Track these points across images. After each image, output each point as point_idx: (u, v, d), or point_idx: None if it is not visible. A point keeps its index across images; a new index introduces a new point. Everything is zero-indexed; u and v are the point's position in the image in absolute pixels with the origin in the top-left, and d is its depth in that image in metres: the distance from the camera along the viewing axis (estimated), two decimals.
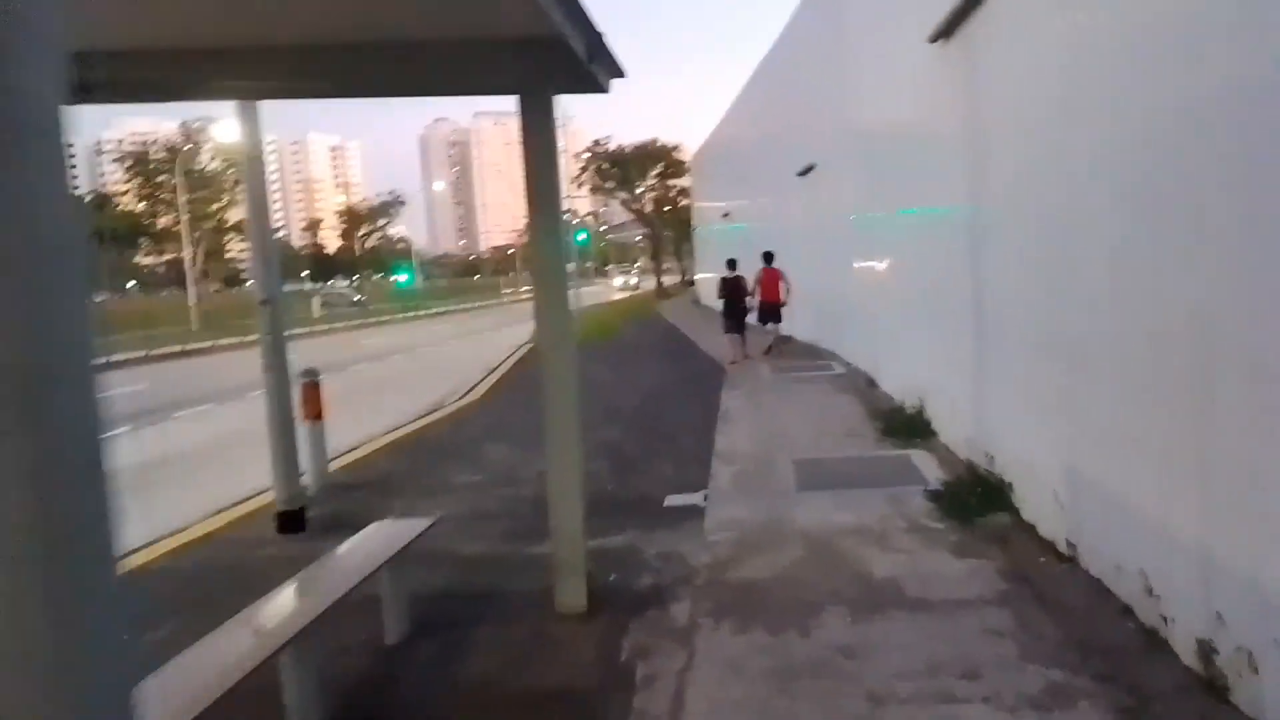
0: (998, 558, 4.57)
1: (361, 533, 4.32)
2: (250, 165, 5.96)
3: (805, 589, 4.30)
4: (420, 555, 5.30)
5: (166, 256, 41.14)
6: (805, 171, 14.85)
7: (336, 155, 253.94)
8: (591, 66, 3.87)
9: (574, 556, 4.29)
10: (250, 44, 3.72)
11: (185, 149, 41.43)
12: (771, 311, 14.60)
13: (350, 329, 39.49)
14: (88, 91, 4.48)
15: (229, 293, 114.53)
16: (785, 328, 17.30)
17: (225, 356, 25.95)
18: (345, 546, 4.07)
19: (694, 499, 6.08)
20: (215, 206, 44.06)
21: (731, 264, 15.44)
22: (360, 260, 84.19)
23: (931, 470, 6.33)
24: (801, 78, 15.47)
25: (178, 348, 26.96)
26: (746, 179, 22.40)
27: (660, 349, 18.71)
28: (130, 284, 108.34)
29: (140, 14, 3.39)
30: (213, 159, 42.66)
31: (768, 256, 14.65)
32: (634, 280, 78.31)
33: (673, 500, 6.14)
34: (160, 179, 42.95)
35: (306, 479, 7.41)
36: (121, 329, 34.54)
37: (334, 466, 8.45)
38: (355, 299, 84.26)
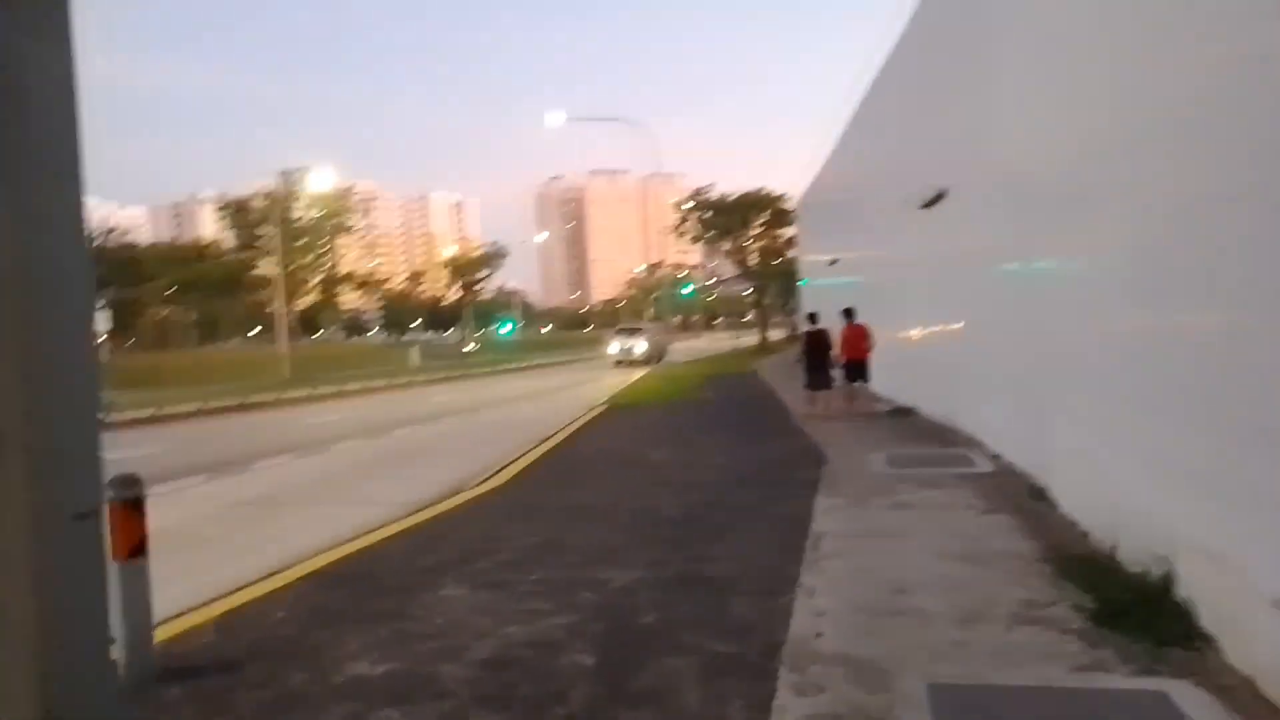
0: None
1: None
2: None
3: None
4: None
5: (275, 306, 40.46)
6: (932, 202, 11.51)
7: (457, 212, 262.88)
8: None
9: None
10: None
11: (282, 197, 41.15)
12: (859, 369, 14.03)
13: (434, 382, 37.79)
14: None
15: (347, 342, 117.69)
16: (905, 398, 14.03)
17: (282, 413, 24.18)
18: None
19: None
20: (312, 255, 43.60)
21: (813, 318, 15.40)
22: (474, 311, 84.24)
23: None
24: (925, 84, 12.23)
25: (235, 401, 25.38)
26: (855, 221, 19.05)
27: (745, 418, 15.45)
28: (254, 331, 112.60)
29: None
30: (308, 207, 42.30)
31: (848, 313, 14.08)
32: (640, 347, 41.20)
33: None
34: (260, 229, 42.91)
35: (117, 651, 4.63)
36: (195, 380, 33.86)
37: (225, 606, 5.69)
38: (466, 349, 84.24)
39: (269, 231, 39.91)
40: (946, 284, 11.30)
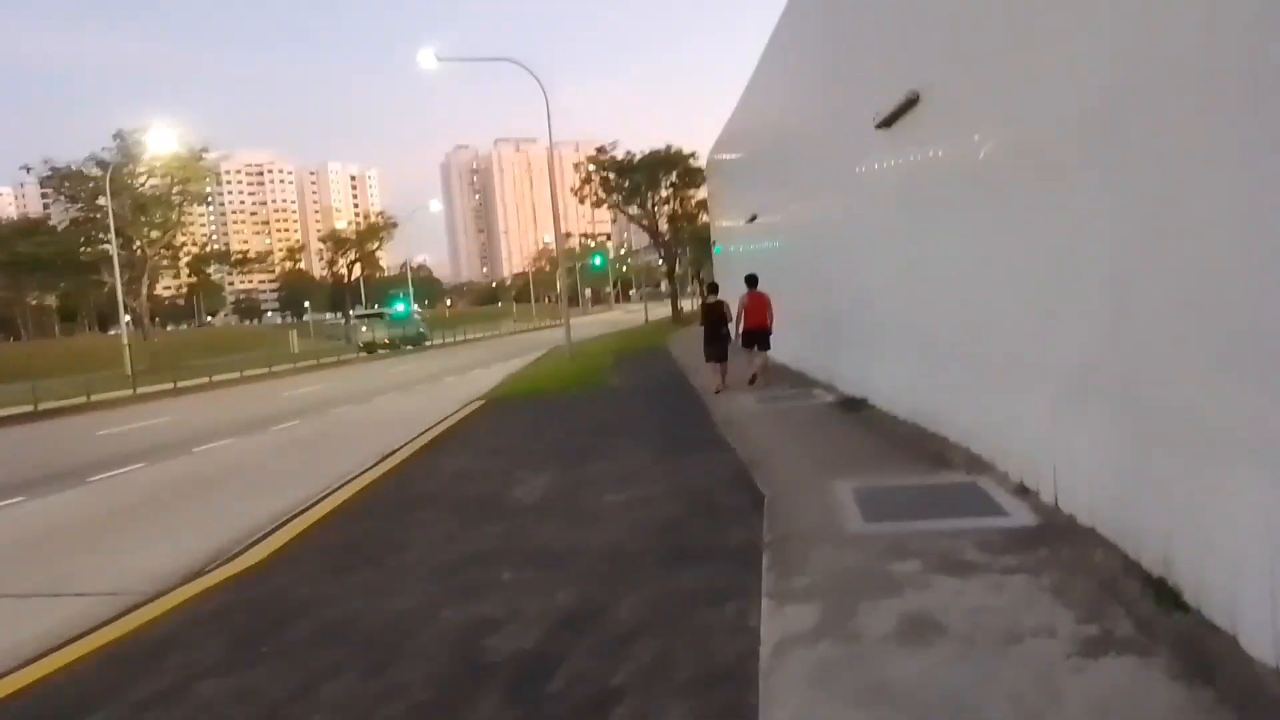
0: None
1: None
2: None
3: None
4: None
5: (121, 288, 34.99)
6: (894, 117, 8.29)
7: (355, 184, 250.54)
8: None
9: None
10: None
11: (118, 163, 35.48)
12: (760, 337, 13.64)
13: (305, 370, 33.41)
14: None
15: (240, 326, 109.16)
16: (851, 386, 11.03)
17: (76, 421, 19.67)
18: None
19: None
20: (159, 231, 38.07)
21: (713, 288, 15.47)
22: (374, 288, 77.68)
23: None
24: None
25: (21, 409, 20.70)
26: (780, 167, 15.80)
27: (651, 418, 12.07)
28: (127, 318, 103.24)
29: None
30: (149, 176, 36.66)
31: (751, 280, 13.75)
32: None
33: None
34: (99, 200, 37.18)
35: None
36: (13, 378, 28.64)
37: None
38: (363, 330, 78.07)
39: (105, 204, 34.52)
40: (912, 223, 8.13)
